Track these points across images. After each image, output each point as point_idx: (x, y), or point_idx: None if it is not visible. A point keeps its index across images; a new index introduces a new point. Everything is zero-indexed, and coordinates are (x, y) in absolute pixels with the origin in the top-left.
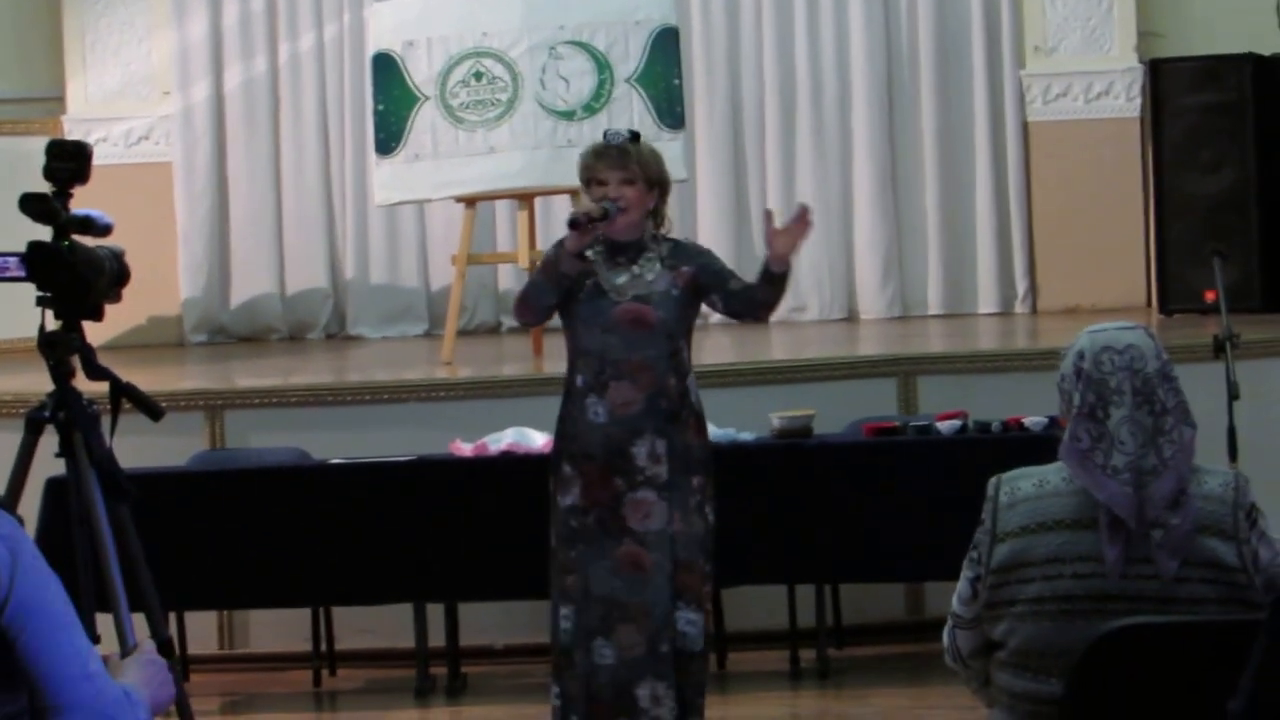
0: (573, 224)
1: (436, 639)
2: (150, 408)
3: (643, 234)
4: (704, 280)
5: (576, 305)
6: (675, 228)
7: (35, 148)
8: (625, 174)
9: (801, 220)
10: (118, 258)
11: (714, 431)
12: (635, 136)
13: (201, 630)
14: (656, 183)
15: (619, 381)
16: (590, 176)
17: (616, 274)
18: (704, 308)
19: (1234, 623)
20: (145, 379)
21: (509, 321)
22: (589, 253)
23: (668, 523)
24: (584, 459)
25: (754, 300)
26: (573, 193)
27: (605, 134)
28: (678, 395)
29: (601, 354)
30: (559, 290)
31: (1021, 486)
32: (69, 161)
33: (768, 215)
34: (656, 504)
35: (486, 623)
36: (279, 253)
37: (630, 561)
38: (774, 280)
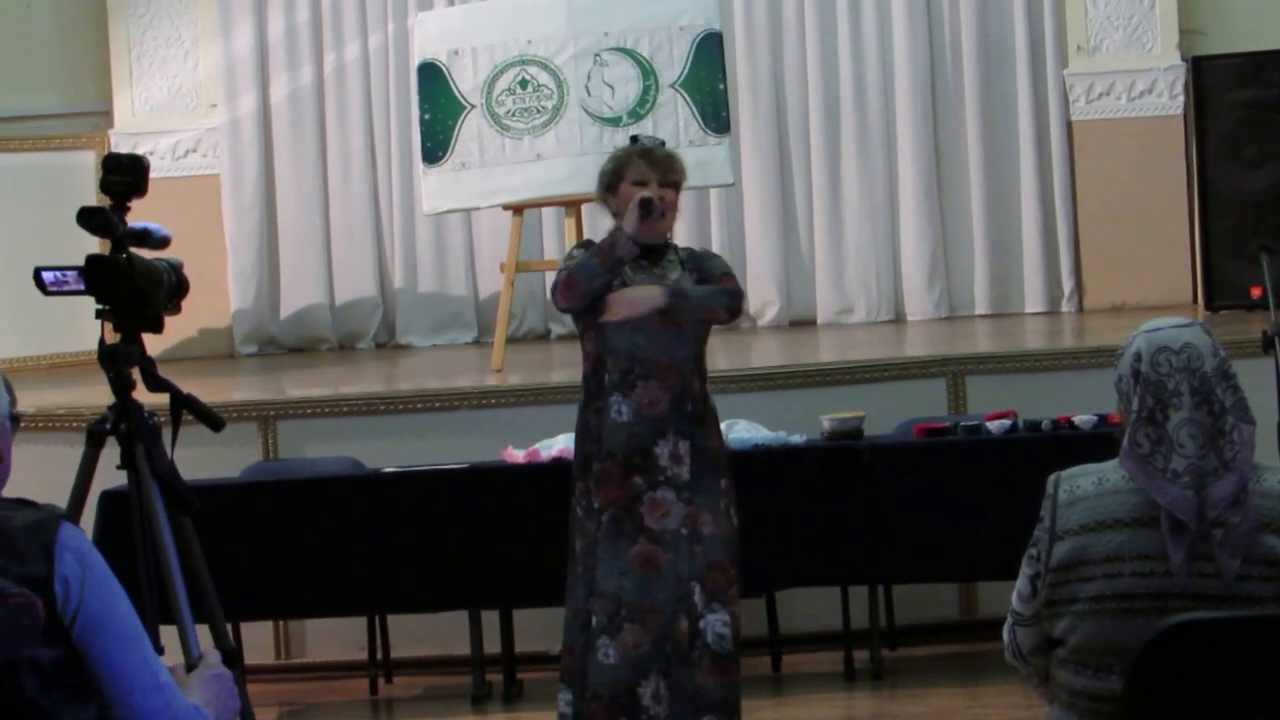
0: (645, 206)
1: (492, 646)
2: (211, 419)
3: (667, 239)
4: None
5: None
6: (723, 230)
7: (83, 162)
8: (669, 177)
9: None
10: (176, 270)
11: (761, 434)
12: (662, 144)
13: (258, 641)
14: (680, 191)
15: (647, 381)
16: (625, 176)
17: (642, 275)
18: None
19: None
20: (197, 391)
21: (558, 328)
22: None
23: (687, 524)
24: (605, 457)
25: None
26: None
27: (638, 137)
28: (700, 397)
29: (631, 353)
30: (611, 275)
31: (1081, 484)
32: (126, 175)
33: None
34: (675, 504)
35: (541, 629)
36: (328, 263)
37: (644, 560)
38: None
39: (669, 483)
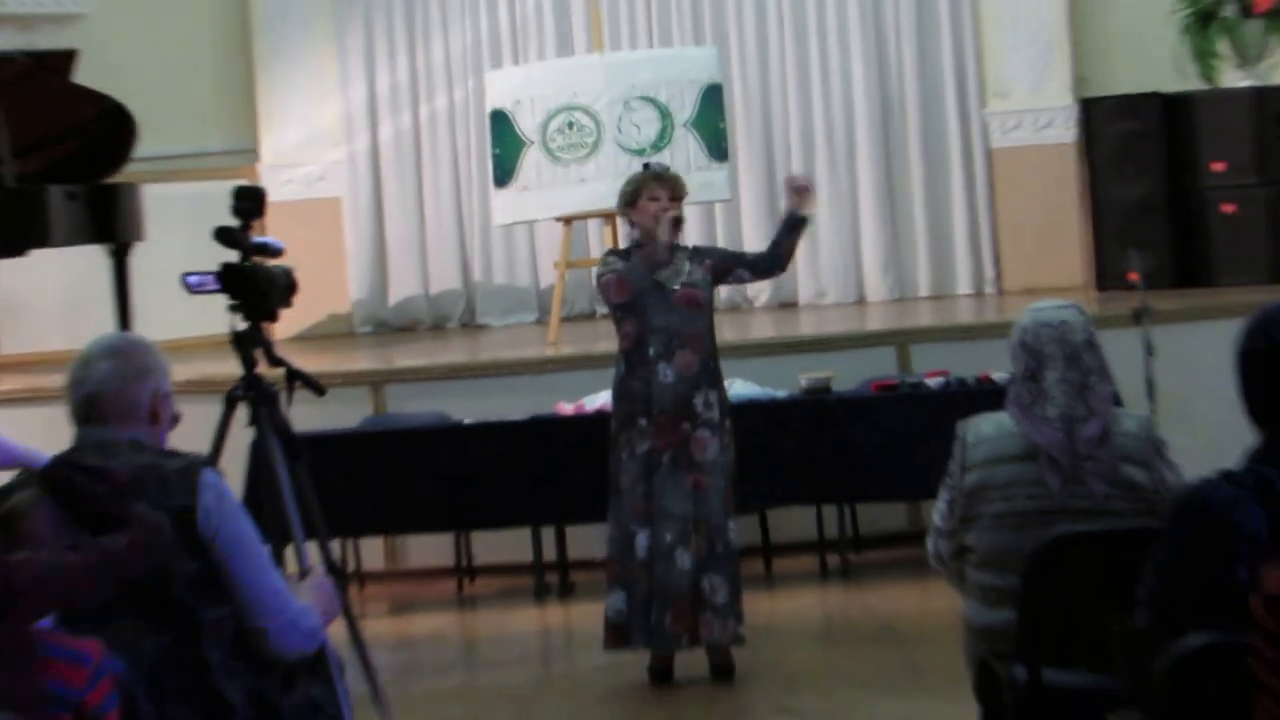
0: (677, 223)
1: (549, 554)
2: (315, 386)
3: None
4: (726, 264)
5: (644, 297)
6: (724, 236)
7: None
8: (677, 192)
9: (810, 188)
10: (288, 274)
11: (755, 390)
12: (667, 169)
13: (372, 553)
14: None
15: (683, 350)
16: (642, 194)
17: (664, 270)
18: (738, 298)
19: (1146, 529)
20: (326, 361)
21: (601, 310)
22: (633, 256)
23: (719, 453)
24: (659, 413)
25: (779, 252)
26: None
27: (650, 165)
28: (715, 358)
29: (668, 329)
30: (651, 274)
31: (983, 428)
32: (249, 202)
33: (788, 180)
34: (711, 440)
35: (588, 540)
36: (423, 263)
37: (695, 485)
38: (796, 225)
39: (706, 424)
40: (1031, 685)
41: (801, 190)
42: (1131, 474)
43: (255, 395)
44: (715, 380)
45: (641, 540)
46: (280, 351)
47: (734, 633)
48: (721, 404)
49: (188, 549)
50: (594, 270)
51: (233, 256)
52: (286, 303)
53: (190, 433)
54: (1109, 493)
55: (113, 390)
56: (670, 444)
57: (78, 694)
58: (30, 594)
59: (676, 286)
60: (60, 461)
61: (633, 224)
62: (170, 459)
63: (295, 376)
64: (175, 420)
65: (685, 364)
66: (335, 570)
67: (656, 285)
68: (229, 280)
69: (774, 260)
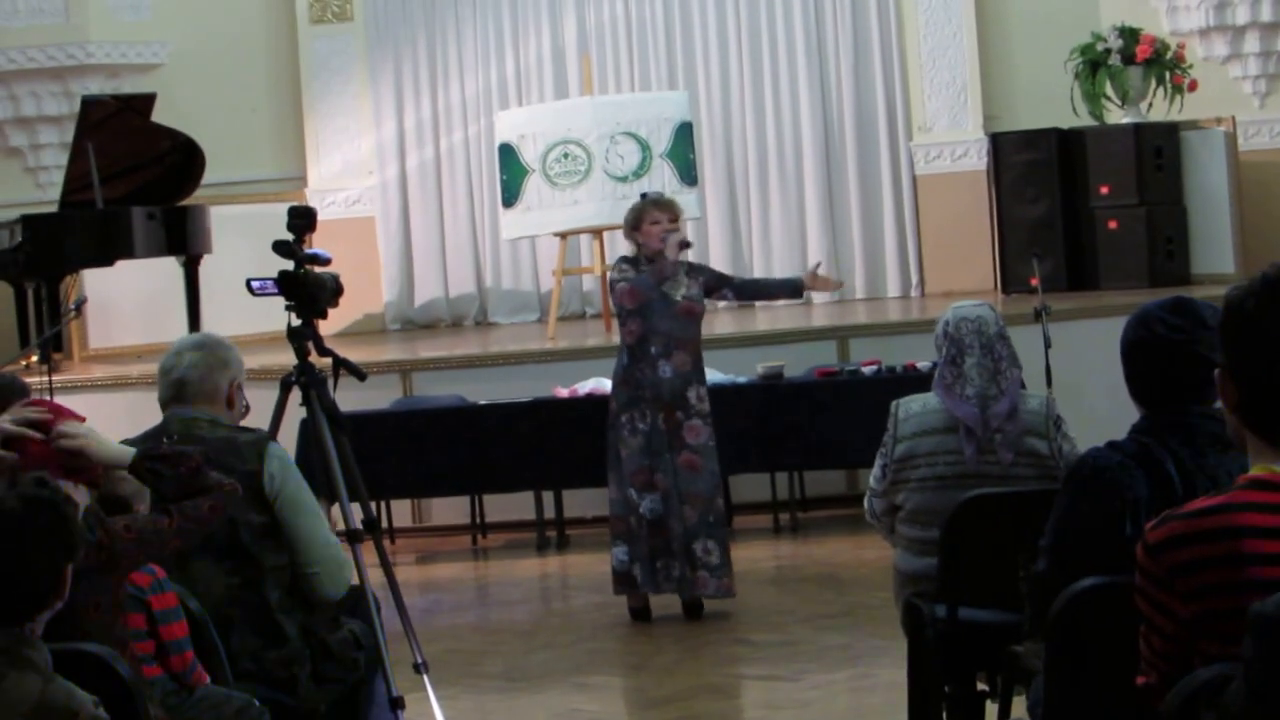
0: (685, 244)
1: (549, 513)
2: (358, 373)
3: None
4: (714, 283)
5: (651, 304)
6: (694, 248)
7: (284, 210)
8: (675, 214)
9: (838, 284)
10: (336, 280)
11: (720, 376)
12: (661, 195)
13: (401, 512)
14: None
15: (680, 351)
16: (644, 218)
17: (666, 284)
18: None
19: (1046, 492)
20: (362, 354)
21: (590, 310)
22: (643, 266)
23: (709, 439)
24: (657, 401)
25: (769, 294)
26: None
27: (646, 193)
28: (701, 358)
29: (669, 333)
30: (659, 285)
31: (911, 406)
32: (302, 219)
33: (816, 265)
34: (703, 427)
35: (581, 501)
36: (443, 270)
37: (688, 465)
38: (794, 293)
39: (698, 414)
40: (950, 621)
41: (825, 285)
42: (1034, 445)
43: (307, 380)
44: (703, 377)
45: (645, 504)
46: (326, 344)
47: (727, 587)
48: (708, 397)
49: (254, 506)
50: (609, 275)
51: (287, 265)
52: (334, 304)
53: (251, 412)
54: (1015, 461)
55: (197, 377)
56: (668, 428)
57: (144, 593)
58: (130, 554)
59: (679, 298)
60: (143, 457)
61: (638, 244)
62: (242, 433)
63: (341, 364)
64: (245, 411)
65: (681, 363)
66: (371, 524)
67: (662, 295)
68: (286, 285)
69: (755, 296)
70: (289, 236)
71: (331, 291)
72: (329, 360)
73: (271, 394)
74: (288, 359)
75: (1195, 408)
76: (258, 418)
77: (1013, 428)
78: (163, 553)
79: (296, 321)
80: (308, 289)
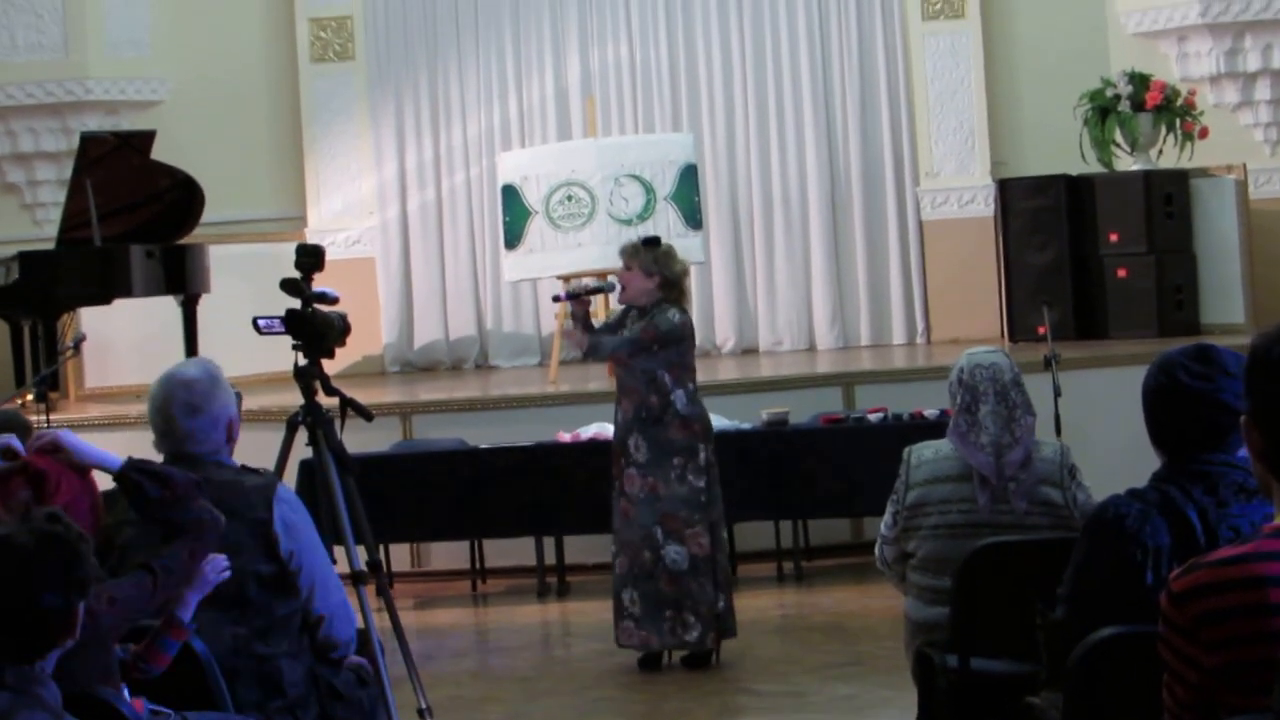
0: (589, 292)
1: (549, 559)
2: (364, 413)
3: (649, 302)
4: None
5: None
6: (698, 292)
7: (287, 250)
8: (627, 264)
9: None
10: (343, 319)
11: (723, 423)
12: (653, 242)
13: (400, 556)
14: (656, 273)
15: (625, 399)
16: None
17: (628, 326)
18: (709, 345)
19: (1061, 540)
20: (362, 396)
21: None
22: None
23: (645, 489)
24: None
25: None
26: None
27: (630, 241)
28: (657, 407)
29: (619, 381)
30: (619, 327)
31: (924, 453)
32: (310, 258)
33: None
34: (638, 478)
35: (582, 547)
36: (444, 312)
37: (623, 513)
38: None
39: (634, 464)
40: (962, 671)
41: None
42: (1048, 494)
43: (313, 420)
44: (650, 426)
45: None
46: (333, 384)
47: (644, 640)
48: (661, 446)
49: (264, 553)
50: None
51: (294, 303)
52: (341, 343)
53: (255, 452)
54: (1029, 509)
55: (192, 411)
56: (616, 475)
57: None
58: (116, 627)
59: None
60: (132, 465)
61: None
62: (248, 475)
63: (348, 405)
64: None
65: (625, 410)
66: (375, 567)
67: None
68: (293, 323)
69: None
70: (296, 274)
71: (339, 331)
72: (336, 400)
73: (271, 435)
74: (287, 399)
75: (1218, 456)
76: (264, 458)
77: (1027, 476)
78: (148, 610)
79: (303, 360)
80: (315, 328)
